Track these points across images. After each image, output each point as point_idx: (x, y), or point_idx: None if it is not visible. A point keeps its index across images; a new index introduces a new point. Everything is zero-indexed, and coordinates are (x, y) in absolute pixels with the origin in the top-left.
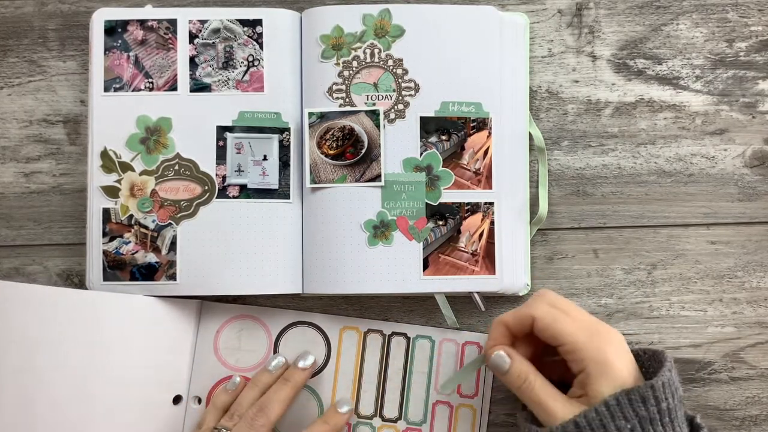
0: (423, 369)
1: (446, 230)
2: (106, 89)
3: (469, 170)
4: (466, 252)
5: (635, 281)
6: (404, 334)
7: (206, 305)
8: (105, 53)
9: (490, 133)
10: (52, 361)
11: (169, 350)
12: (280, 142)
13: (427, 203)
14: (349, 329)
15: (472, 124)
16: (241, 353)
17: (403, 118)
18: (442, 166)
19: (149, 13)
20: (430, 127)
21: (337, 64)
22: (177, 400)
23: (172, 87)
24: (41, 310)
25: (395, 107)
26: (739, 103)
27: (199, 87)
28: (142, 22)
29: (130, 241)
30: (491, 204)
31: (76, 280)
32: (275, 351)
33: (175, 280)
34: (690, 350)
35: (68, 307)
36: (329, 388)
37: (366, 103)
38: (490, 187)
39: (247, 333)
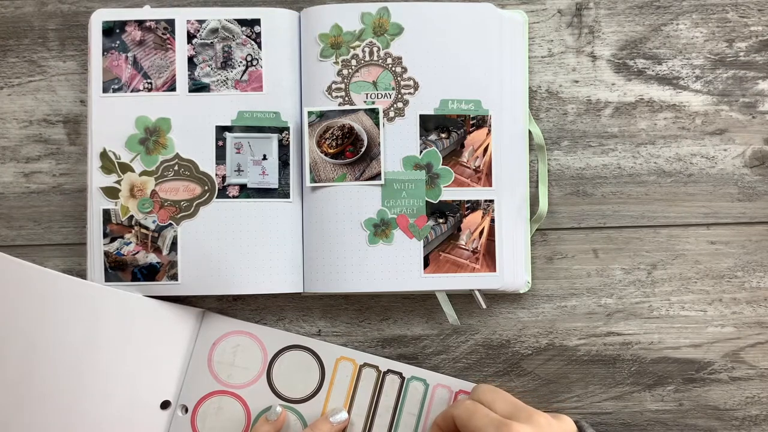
0: (413, 411)
1: (446, 228)
2: (105, 90)
3: (468, 168)
4: (467, 250)
5: (635, 281)
6: (399, 374)
7: (207, 315)
8: (103, 54)
9: (489, 131)
10: (48, 344)
11: (165, 354)
12: (280, 141)
13: (427, 201)
14: (346, 360)
15: (471, 122)
16: (234, 369)
17: (403, 116)
18: (442, 164)
19: (147, 13)
20: (429, 125)
21: (336, 62)
22: (165, 405)
23: (171, 87)
24: (44, 291)
25: (394, 105)
26: (739, 103)
27: (197, 87)
28: (140, 23)
29: (131, 242)
30: (491, 201)
31: None
32: (269, 372)
33: (176, 280)
34: (690, 350)
35: (71, 294)
36: (318, 415)
37: (365, 102)
38: (490, 185)
39: (243, 350)
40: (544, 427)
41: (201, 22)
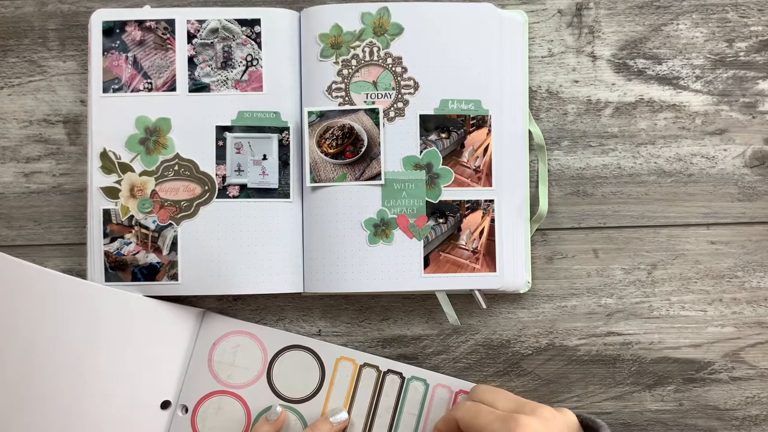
0: (413, 411)
1: (447, 228)
2: (105, 90)
3: (469, 168)
4: (467, 250)
5: (635, 281)
6: (399, 374)
7: (208, 315)
8: (103, 54)
9: (489, 131)
10: (48, 344)
11: (165, 354)
12: (280, 141)
13: (427, 201)
14: (346, 360)
15: (471, 122)
16: (234, 369)
17: (403, 116)
18: (442, 164)
19: (147, 13)
20: (429, 125)
21: (336, 62)
22: (165, 405)
23: (171, 87)
24: (44, 291)
25: (395, 105)
26: (739, 103)
27: (197, 87)
28: (140, 23)
29: (131, 242)
30: (491, 201)
31: None
32: (269, 372)
33: (176, 280)
34: (690, 350)
35: (71, 294)
36: (318, 415)
37: (365, 102)
38: (490, 185)
39: (243, 350)
40: (548, 419)
41: (201, 22)
